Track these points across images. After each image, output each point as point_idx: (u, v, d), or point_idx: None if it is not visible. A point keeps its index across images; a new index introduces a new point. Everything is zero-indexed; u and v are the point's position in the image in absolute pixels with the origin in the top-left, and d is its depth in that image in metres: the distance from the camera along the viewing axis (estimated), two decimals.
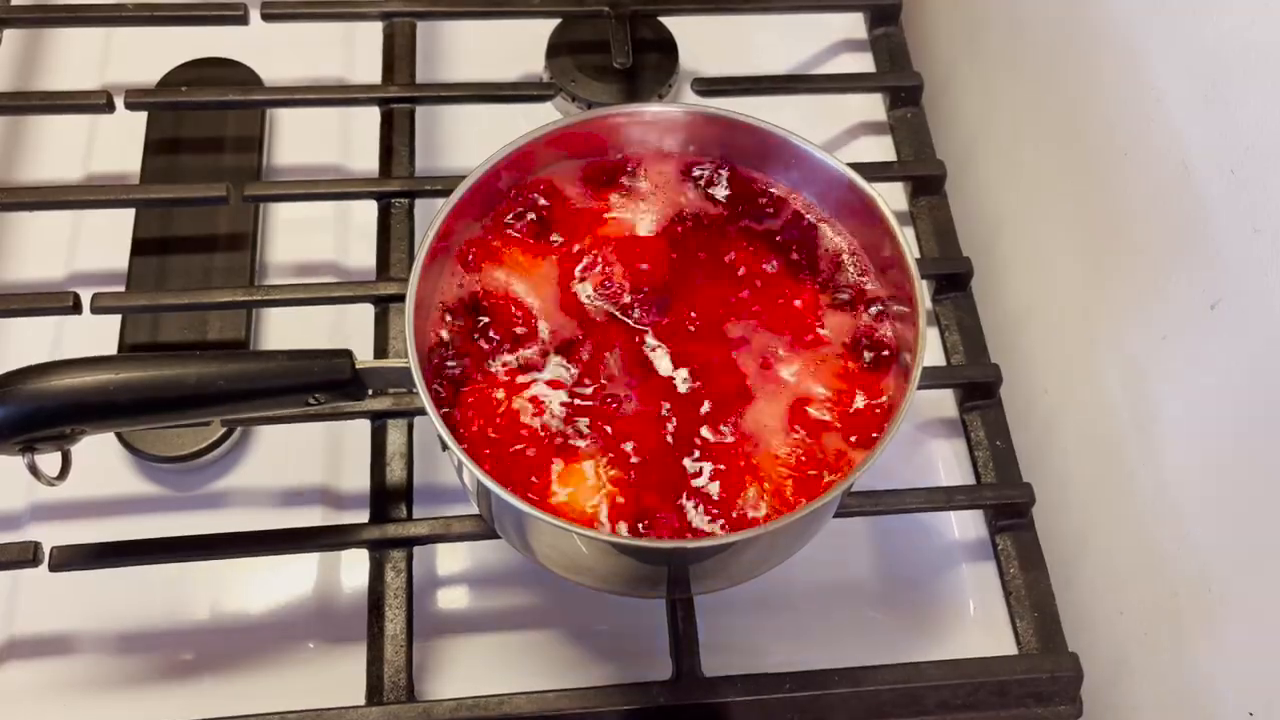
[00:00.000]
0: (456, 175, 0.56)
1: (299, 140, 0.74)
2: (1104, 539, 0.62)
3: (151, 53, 0.74)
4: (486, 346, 0.52)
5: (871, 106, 0.78)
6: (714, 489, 0.49)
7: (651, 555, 0.50)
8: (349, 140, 0.74)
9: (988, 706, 0.57)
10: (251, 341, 0.66)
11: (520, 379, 0.51)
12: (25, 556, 0.56)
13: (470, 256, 0.54)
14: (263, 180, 0.71)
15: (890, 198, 0.54)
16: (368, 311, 0.65)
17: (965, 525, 0.65)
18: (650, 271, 0.54)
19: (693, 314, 0.53)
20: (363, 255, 0.68)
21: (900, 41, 0.79)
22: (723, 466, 0.50)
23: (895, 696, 0.56)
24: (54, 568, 0.56)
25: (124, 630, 0.59)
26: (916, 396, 0.49)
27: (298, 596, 0.61)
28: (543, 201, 0.56)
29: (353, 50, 0.78)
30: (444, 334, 0.52)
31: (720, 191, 0.57)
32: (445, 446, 0.48)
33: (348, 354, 0.50)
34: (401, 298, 0.50)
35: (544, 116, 0.66)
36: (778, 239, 0.55)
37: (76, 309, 0.62)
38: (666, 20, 0.79)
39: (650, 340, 0.53)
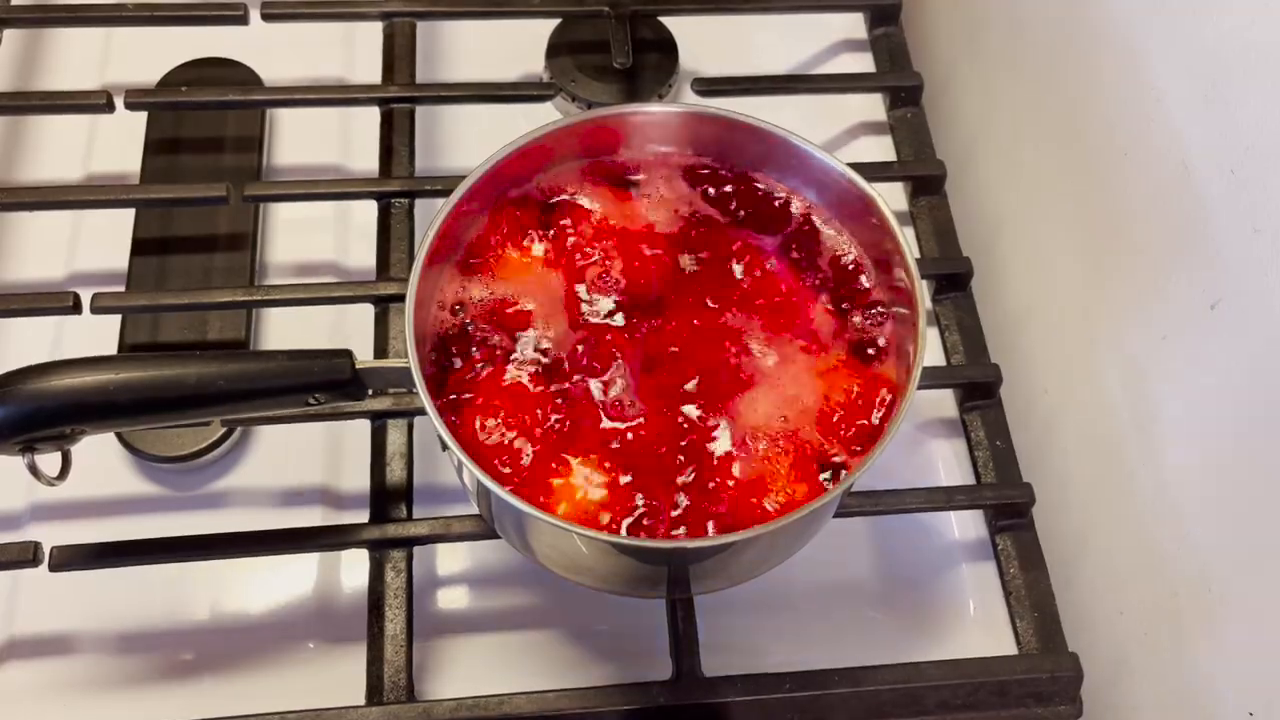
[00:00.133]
0: (456, 175, 0.56)
1: (299, 140, 0.74)
2: (1104, 539, 0.62)
3: (151, 53, 0.74)
4: (486, 347, 0.52)
5: (871, 106, 0.78)
6: (714, 489, 0.49)
7: (651, 555, 0.50)
8: (349, 140, 0.74)
9: (988, 706, 0.57)
10: (251, 341, 0.66)
11: (520, 379, 0.51)
12: (25, 556, 0.56)
13: (470, 256, 0.54)
14: (263, 180, 0.71)
15: (890, 198, 0.54)
16: (368, 311, 0.65)
17: (965, 525, 0.65)
18: (650, 271, 0.54)
19: (692, 313, 0.53)
20: (363, 255, 0.68)
21: (900, 41, 0.79)
22: (723, 466, 0.50)
23: (895, 696, 0.56)
24: (54, 568, 0.56)
25: (124, 630, 0.59)
26: (916, 396, 0.49)
27: (298, 596, 0.61)
28: (543, 202, 0.55)
29: (353, 50, 0.78)
30: (444, 334, 0.52)
31: (720, 191, 0.57)
32: (445, 446, 0.48)
33: (348, 354, 0.50)
34: (401, 298, 0.50)
35: (544, 116, 0.66)
36: (777, 239, 0.55)
37: (76, 309, 0.62)
38: (666, 20, 0.79)
39: (650, 339, 0.53)
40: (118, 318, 0.65)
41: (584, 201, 0.56)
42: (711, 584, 0.55)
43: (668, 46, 0.78)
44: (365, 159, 0.71)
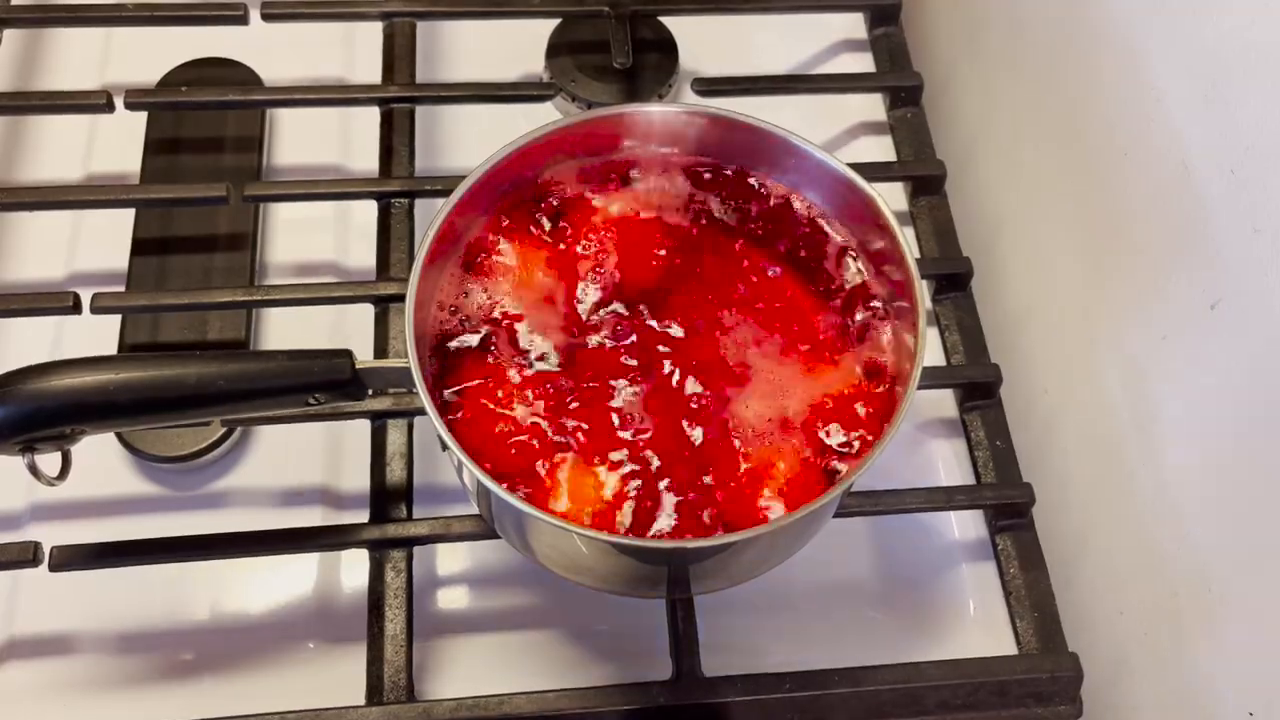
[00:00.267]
0: (456, 175, 0.56)
1: (299, 140, 0.74)
2: (1104, 539, 0.62)
3: (151, 53, 0.74)
4: (487, 346, 0.52)
5: (871, 106, 0.78)
6: (714, 488, 0.49)
7: (651, 555, 0.50)
8: (349, 140, 0.74)
9: (988, 706, 0.57)
10: (251, 341, 0.66)
11: (520, 378, 0.51)
12: (25, 556, 0.56)
13: (470, 256, 0.54)
14: (263, 180, 0.71)
15: (890, 198, 0.54)
16: (368, 311, 0.65)
17: (965, 525, 0.65)
18: (650, 271, 0.54)
19: (692, 313, 0.53)
20: (363, 255, 0.68)
21: (900, 41, 0.79)
22: (722, 466, 0.50)
23: (895, 696, 0.56)
24: (54, 568, 0.56)
25: (124, 630, 0.59)
26: (916, 396, 0.49)
27: (298, 596, 0.61)
28: (543, 202, 0.56)
29: (353, 50, 0.78)
30: (444, 334, 0.52)
31: (720, 191, 0.57)
32: (445, 446, 0.48)
33: (348, 354, 0.50)
34: (401, 298, 0.50)
35: (544, 116, 0.66)
36: (777, 239, 0.55)
37: (76, 309, 0.62)
38: (666, 20, 0.79)
39: (650, 339, 0.53)
40: (118, 318, 0.65)
41: (584, 201, 0.56)
42: (711, 584, 0.55)
43: (668, 46, 0.78)
44: (365, 159, 0.71)
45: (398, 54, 0.74)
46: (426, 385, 0.48)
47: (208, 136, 0.72)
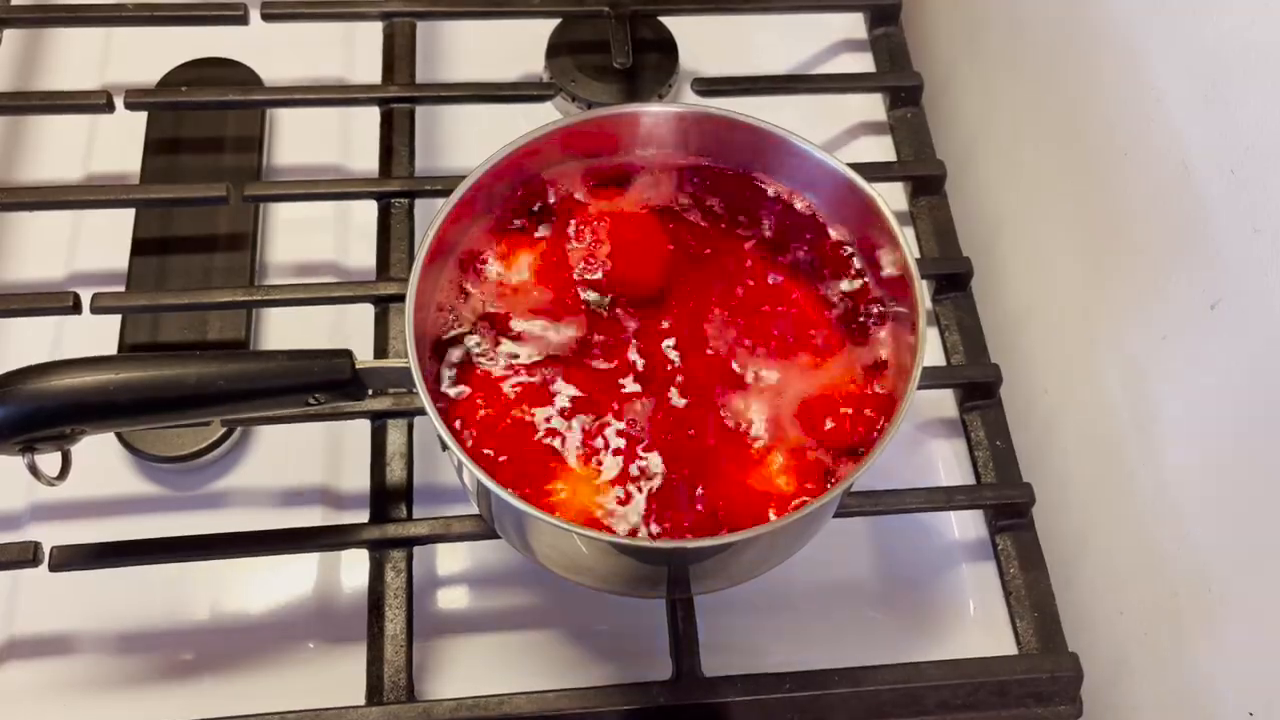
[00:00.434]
0: (456, 175, 0.56)
1: (299, 140, 0.74)
2: (1104, 539, 0.62)
3: (151, 53, 0.74)
4: (486, 346, 0.52)
5: (871, 106, 0.78)
6: (714, 488, 0.49)
7: (651, 555, 0.50)
8: (349, 140, 0.74)
9: (988, 706, 0.57)
10: (251, 341, 0.66)
11: (520, 378, 0.51)
12: (25, 556, 0.56)
13: (470, 256, 0.54)
14: (263, 180, 0.71)
15: (890, 198, 0.54)
16: (368, 311, 0.65)
17: (965, 525, 0.65)
18: (650, 271, 0.54)
19: (693, 313, 0.53)
20: (363, 255, 0.68)
21: (900, 41, 0.79)
22: (722, 466, 0.50)
23: (895, 696, 0.56)
24: (54, 568, 0.56)
25: (124, 630, 0.59)
26: (916, 396, 0.49)
27: (298, 596, 0.61)
28: (542, 202, 0.56)
29: (353, 50, 0.78)
30: (444, 334, 0.52)
31: (720, 192, 0.57)
32: (445, 446, 0.48)
33: (348, 354, 0.50)
34: (401, 298, 0.50)
35: (544, 116, 0.66)
36: (777, 239, 0.55)
37: (76, 309, 0.62)
38: (666, 20, 0.79)
39: (649, 339, 0.53)
40: (118, 318, 0.65)
41: (584, 201, 0.56)
42: (711, 584, 0.55)
43: (668, 46, 0.78)
44: (365, 159, 0.71)
45: (398, 54, 0.74)
46: (426, 385, 0.48)
47: (208, 136, 0.72)
